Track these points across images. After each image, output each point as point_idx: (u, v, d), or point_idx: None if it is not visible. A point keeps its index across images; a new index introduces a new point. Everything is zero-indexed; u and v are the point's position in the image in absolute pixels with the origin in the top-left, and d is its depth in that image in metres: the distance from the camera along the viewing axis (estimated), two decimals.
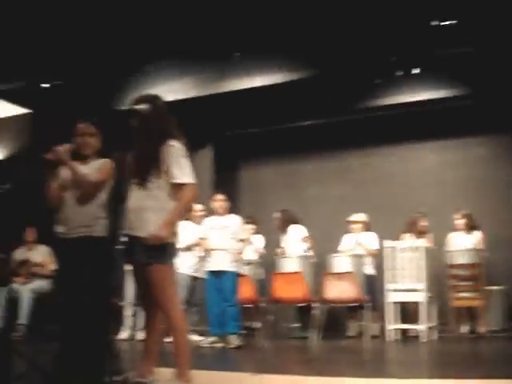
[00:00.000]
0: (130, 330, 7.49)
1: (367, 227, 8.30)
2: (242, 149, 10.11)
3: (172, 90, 8.17)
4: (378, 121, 8.91)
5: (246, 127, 9.42)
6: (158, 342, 3.65)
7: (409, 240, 7.65)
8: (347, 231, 8.34)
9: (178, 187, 3.44)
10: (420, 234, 7.88)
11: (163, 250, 3.40)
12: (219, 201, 6.91)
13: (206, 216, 7.26)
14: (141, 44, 7.50)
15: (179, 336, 3.45)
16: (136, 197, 3.47)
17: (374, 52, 7.57)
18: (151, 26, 7.13)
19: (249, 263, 7.94)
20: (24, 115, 9.56)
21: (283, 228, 8.18)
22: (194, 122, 8.28)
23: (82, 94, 8.46)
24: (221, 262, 6.72)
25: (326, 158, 9.90)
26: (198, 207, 7.29)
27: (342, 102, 8.66)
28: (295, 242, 8.08)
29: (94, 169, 3.97)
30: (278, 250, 8.12)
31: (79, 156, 4.00)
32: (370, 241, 8.10)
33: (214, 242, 6.81)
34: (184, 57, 8.11)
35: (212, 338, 6.70)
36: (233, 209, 7.10)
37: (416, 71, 7.95)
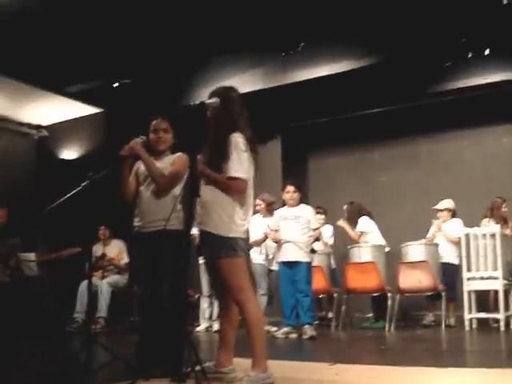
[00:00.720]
0: (207, 321, 7.61)
1: (453, 214, 8.07)
2: (309, 139, 10.07)
3: (239, 83, 8.19)
4: (448, 105, 8.67)
5: (314, 117, 9.36)
6: (234, 332, 3.72)
7: (489, 226, 7.42)
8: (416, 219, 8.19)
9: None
10: (502, 220, 7.62)
11: (232, 243, 3.45)
12: (290, 192, 6.92)
13: (275, 207, 7.29)
14: (206, 39, 7.59)
15: (254, 327, 3.48)
16: (205, 191, 3.53)
17: (443, 34, 7.37)
18: (216, 21, 7.20)
19: (320, 253, 7.91)
20: (97, 114, 9.86)
21: (352, 220, 8.10)
22: (261, 114, 8.31)
23: (151, 92, 8.65)
24: (294, 253, 6.72)
25: (395, 144, 9.73)
26: (258, 201, 7.31)
27: (410, 88, 8.47)
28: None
29: (168, 163, 4.05)
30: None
31: (153, 152, 4.09)
32: (452, 228, 7.86)
33: (286, 233, 6.82)
34: (250, 49, 8.16)
35: (286, 329, 6.72)
36: (302, 199, 7.08)
37: (487, 52, 7.69)
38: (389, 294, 7.34)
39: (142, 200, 4.01)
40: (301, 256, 6.71)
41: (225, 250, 3.43)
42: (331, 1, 6.81)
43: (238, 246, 3.48)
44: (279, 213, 7.02)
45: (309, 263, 6.75)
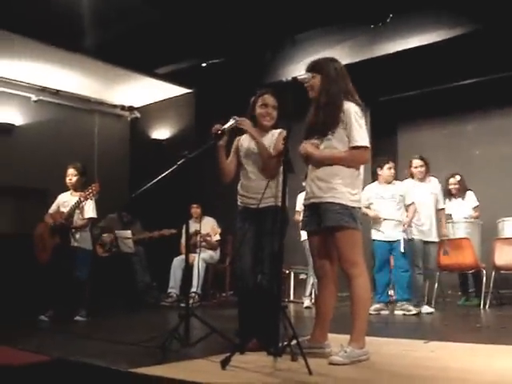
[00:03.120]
0: (311, 297, 7.66)
1: None
2: (399, 112, 9.86)
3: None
4: None
5: (404, 90, 9.14)
6: (332, 308, 3.74)
7: None
8: None
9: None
10: None
11: (353, 213, 3.48)
12: (391, 168, 6.86)
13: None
14: (293, 14, 7.54)
15: (360, 303, 3.50)
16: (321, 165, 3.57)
17: None
18: None
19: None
20: (187, 95, 10.04)
21: (460, 193, 7.91)
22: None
23: (240, 70, 8.71)
24: (393, 231, 6.71)
25: (489, 117, 9.34)
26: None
27: (504, 57, 8.09)
28: (469, 208, 7.83)
29: (271, 140, 4.05)
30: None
31: (258, 127, 4.09)
32: None
33: (384, 211, 6.78)
34: (337, 24, 8.04)
35: (378, 305, 6.68)
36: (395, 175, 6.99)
37: None
38: (484, 272, 7.16)
39: (248, 176, 4.04)
40: (399, 234, 6.70)
41: (346, 218, 3.45)
42: None
43: (358, 218, 3.51)
44: (373, 190, 6.92)
45: (405, 240, 6.71)
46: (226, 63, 8.78)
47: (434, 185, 7.12)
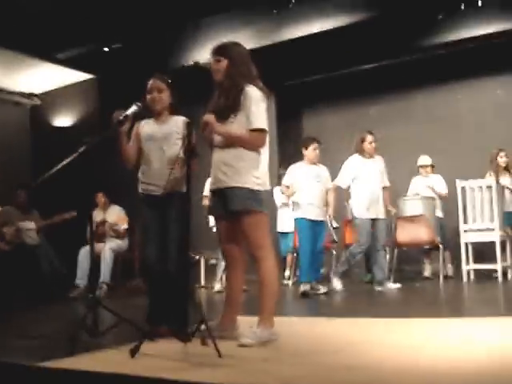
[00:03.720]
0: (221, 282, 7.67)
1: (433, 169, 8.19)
2: (304, 97, 10.02)
3: None
4: (442, 58, 8.61)
5: (308, 75, 9.30)
6: (241, 292, 3.78)
7: (487, 179, 7.48)
8: (415, 174, 8.25)
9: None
10: (502, 169, 7.70)
11: (259, 196, 3.52)
12: (316, 149, 6.86)
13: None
14: None
15: (268, 285, 3.54)
16: (226, 149, 3.58)
17: None
18: None
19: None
20: (89, 80, 9.78)
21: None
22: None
23: (143, 55, 8.56)
24: (319, 212, 6.78)
25: (390, 100, 9.70)
26: None
27: (403, 42, 8.40)
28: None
29: (176, 126, 3.99)
30: None
31: (151, 112, 4.04)
32: (440, 183, 8.00)
33: (310, 191, 6.76)
34: (241, 8, 8.06)
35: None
36: (298, 157, 7.09)
37: (479, 4, 7.59)
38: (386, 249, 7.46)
39: (151, 162, 3.98)
40: (323, 215, 6.85)
41: (251, 202, 3.49)
42: None
43: (263, 201, 3.54)
44: (298, 169, 6.94)
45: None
46: (129, 48, 8.61)
47: (379, 162, 7.20)
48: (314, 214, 6.71)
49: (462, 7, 7.68)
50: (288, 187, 6.86)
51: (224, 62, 3.61)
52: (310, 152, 6.81)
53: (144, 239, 3.79)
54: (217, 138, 3.63)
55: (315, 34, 8.01)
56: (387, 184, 7.20)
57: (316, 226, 6.71)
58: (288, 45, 8.16)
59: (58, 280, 7.94)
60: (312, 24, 8.03)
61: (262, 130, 3.53)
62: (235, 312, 3.73)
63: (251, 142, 3.54)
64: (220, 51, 3.67)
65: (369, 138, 7.17)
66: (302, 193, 6.74)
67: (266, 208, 3.59)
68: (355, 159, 7.10)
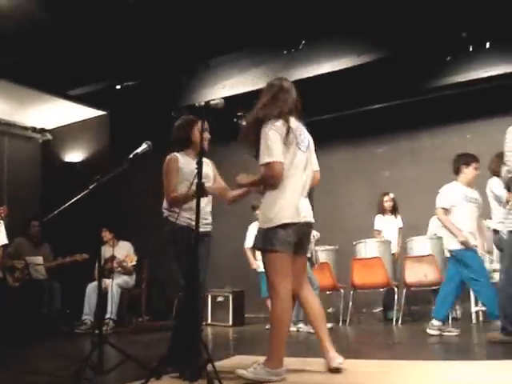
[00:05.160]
0: None
1: None
2: (313, 135, 10.05)
3: (240, 82, 8.26)
4: (450, 99, 8.67)
5: (317, 114, 9.37)
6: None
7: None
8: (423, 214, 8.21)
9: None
10: None
11: (270, 235, 3.53)
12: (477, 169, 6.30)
13: None
14: (207, 39, 7.61)
15: (274, 325, 3.54)
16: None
17: (444, 28, 7.37)
18: (216, 20, 7.21)
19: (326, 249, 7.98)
20: (101, 117, 9.90)
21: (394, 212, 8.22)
22: None
23: (153, 94, 8.68)
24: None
25: (398, 140, 9.75)
26: None
27: (412, 83, 8.48)
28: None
29: (210, 168, 4.24)
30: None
31: (197, 152, 4.00)
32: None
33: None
34: (250, 49, 8.17)
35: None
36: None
37: (487, 46, 7.68)
38: (396, 289, 7.41)
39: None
40: None
41: (261, 241, 3.57)
42: None
43: (277, 239, 3.50)
44: None
45: None
46: (141, 86, 8.73)
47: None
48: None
49: (471, 49, 7.76)
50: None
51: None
52: (471, 171, 6.17)
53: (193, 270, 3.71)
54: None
55: (324, 74, 8.09)
56: None
57: None
58: (296, 85, 8.23)
59: (63, 316, 7.93)
60: (322, 64, 8.12)
61: (266, 164, 3.53)
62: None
63: (263, 178, 3.59)
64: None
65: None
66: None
67: (281, 245, 3.53)
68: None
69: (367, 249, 7.70)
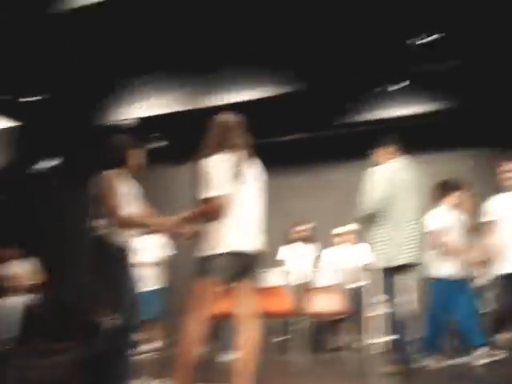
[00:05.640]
0: None
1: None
2: None
3: (157, 104, 8.18)
4: (361, 135, 8.93)
5: None
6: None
7: None
8: (333, 244, 8.35)
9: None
10: None
11: (203, 263, 3.58)
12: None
13: None
14: (126, 58, 7.52)
15: (180, 350, 3.52)
16: None
17: (358, 68, 7.65)
18: (136, 41, 7.15)
19: None
20: (9, 129, 9.53)
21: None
22: (179, 137, 8.28)
23: (66, 109, 8.45)
24: None
25: (310, 171, 9.92)
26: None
27: (326, 117, 8.70)
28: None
29: None
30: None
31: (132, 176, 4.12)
32: (364, 253, 8.03)
33: None
34: (171, 71, 8.14)
35: None
36: None
37: (398, 87, 8.00)
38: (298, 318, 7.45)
39: None
40: None
41: (198, 270, 3.56)
42: (255, 27, 6.90)
43: (212, 266, 3.54)
44: None
45: None
46: (54, 101, 8.47)
47: None
48: None
49: (382, 89, 8.05)
50: None
51: None
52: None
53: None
54: None
55: (244, 101, 8.15)
56: None
57: None
58: (214, 110, 8.24)
59: None
60: (241, 91, 8.19)
61: (203, 200, 3.59)
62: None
63: (203, 212, 3.67)
64: None
65: None
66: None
67: (211, 271, 3.57)
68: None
69: (268, 278, 7.70)
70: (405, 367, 4.87)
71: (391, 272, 4.92)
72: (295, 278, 7.82)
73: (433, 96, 8.35)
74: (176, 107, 8.17)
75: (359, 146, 9.12)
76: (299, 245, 8.30)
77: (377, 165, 5.18)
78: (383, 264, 4.88)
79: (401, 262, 4.86)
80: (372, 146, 5.29)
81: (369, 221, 4.99)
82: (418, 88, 8.20)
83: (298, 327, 7.49)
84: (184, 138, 8.29)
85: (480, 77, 7.66)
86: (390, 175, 5.04)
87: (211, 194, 3.54)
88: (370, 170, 5.12)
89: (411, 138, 8.72)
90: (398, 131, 8.61)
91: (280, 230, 8.60)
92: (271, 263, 8.17)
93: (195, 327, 3.52)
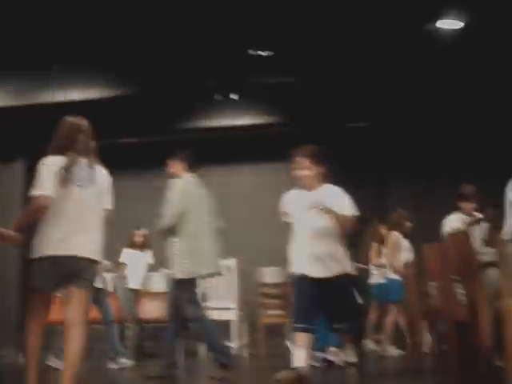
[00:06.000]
0: None
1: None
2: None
3: None
4: (198, 142, 9.02)
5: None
6: None
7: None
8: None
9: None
10: None
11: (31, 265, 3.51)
12: None
13: None
14: None
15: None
16: None
17: (194, 75, 7.74)
18: None
19: None
20: None
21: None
22: (9, 133, 7.82)
23: None
24: None
25: (140, 176, 9.86)
26: None
27: (161, 122, 8.69)
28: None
29: None
30: None
31: None
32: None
33: None
34: (3, 65, 7.67)
35: None
36: None
37: (234, 97, 8.20)
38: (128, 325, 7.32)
39: None
40: None
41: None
42: (91, 26, 6.74)
43: (35, 270, 3.46)
44: None
45: None
46: None
47: None
48: None
49: (218, 98, 8.20)
50: None
51: None
52: None
53: None
54: None
55: (73, 101, 7.89)
56: None
57: None
58: (45, 108, 7.90)
59: None
60: (70, 91, 7.93)
61: (33, 197, 3.49)
62: None
63: (27, 210, 3.62)
64: None
65: None
66: None
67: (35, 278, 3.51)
68: None
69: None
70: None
71: (191, 282, 4.98)
72: (132, 283, 7.68)
73: (263, 109, 8.69)
74: (4, 102, 7.71)
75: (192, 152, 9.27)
76: (137, 250, 8.11)
77: (175, 177, 5.21)
78: (182, 276, 4.92)
79: (203, 272, 4.95)
80: (171, 157, 5.32)
81: (169, 233, 5.03)
82: (251, 100, 8.47)
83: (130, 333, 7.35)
84: (12, 135, 7.88)
85: (309, 94, 8.11)
86: (185, 189, 5.09)
87: (33, 193, 3.48)
88: (169, 182, 5.17)
89: (237, 148, 9.07)
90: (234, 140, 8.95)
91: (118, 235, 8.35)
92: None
93: (29, 335, 3.48)
